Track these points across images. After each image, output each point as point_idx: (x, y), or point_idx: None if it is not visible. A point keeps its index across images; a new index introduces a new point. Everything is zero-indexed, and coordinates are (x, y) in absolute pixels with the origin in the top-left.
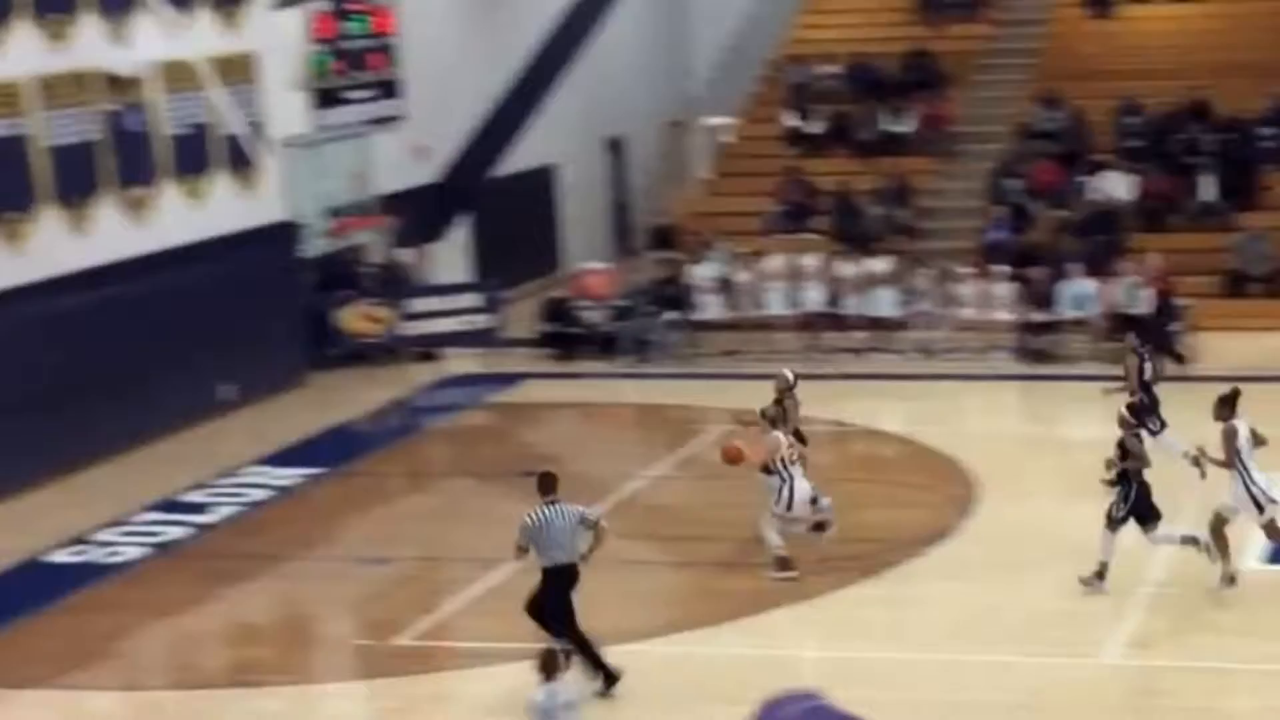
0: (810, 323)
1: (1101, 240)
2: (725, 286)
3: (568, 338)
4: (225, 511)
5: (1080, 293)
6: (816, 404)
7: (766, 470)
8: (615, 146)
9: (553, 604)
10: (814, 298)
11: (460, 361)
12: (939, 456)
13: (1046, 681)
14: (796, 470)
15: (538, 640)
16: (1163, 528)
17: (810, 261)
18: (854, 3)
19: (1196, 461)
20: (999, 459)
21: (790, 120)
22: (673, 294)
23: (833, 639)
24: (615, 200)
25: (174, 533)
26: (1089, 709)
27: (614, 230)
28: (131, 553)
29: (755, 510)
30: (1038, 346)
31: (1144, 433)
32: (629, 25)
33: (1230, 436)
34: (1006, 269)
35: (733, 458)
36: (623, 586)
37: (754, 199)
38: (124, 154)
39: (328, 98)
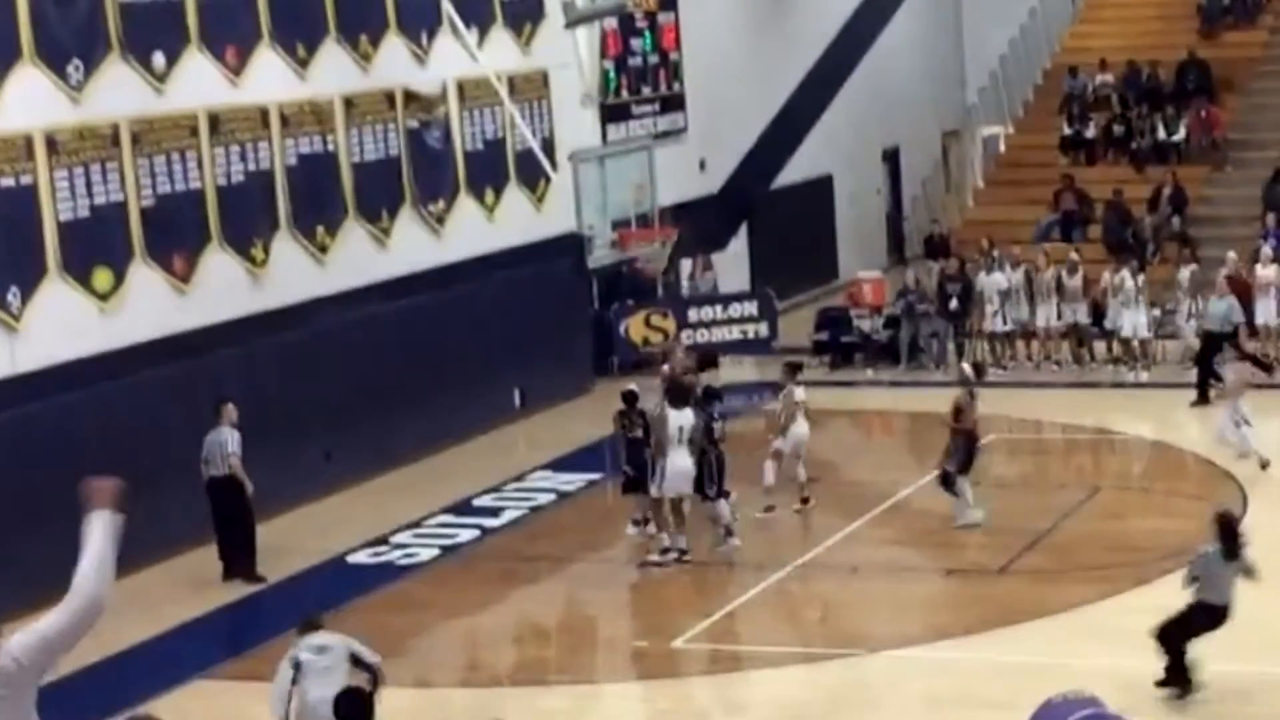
0: (1078, 333)
1: None
2: (1003, 295)
3: (841, 345)
4: (511, 515)
5: None
6: (1086, 413)
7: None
8: (891, 156)
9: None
10: (1079, 309)
11: (737, 369)
12: (1208, 465)
13: None
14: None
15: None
16: None
17: (1077, 273)
18: (1130, 11)
19: None
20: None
21: (1064, 128)
22: (947, 302)
23: (1100, 646)
24: (890, 209)
25: (465, 536)
26: None
27: (889, 239)
28: (425, 554)
29: (1026, 518)
30: None
31: None
32: (905, 37)
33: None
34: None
35: None
36: (892, 592)
37: (1028, 207)
38: (423, 169)
39: (615, 112)
